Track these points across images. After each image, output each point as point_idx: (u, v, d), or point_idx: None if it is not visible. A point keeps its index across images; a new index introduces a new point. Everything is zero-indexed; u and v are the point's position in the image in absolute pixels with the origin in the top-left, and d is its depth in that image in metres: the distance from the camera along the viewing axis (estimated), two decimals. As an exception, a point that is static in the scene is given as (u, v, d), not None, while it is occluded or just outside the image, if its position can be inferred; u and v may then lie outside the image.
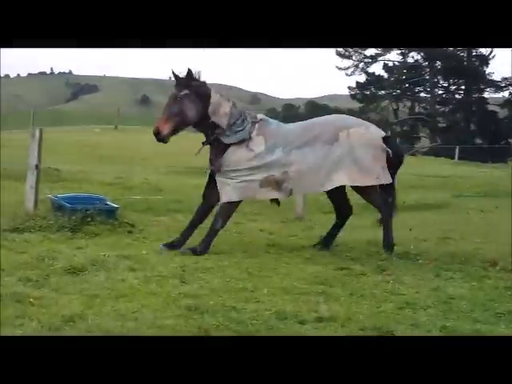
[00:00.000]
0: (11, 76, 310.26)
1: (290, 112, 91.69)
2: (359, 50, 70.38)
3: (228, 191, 8.45)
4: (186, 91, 8.34)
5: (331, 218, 9.60)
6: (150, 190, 15.39)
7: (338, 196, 9.14)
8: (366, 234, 10.00)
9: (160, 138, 8.23)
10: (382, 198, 8.86)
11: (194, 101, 8.37)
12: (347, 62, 72.55)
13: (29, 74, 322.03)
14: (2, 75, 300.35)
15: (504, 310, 6.02)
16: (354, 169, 8.52)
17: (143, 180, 17.40)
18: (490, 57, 68.69)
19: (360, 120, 9.66)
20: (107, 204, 10.40)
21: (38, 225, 9.30)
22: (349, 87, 74.31)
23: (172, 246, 8.46)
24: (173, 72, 8.54)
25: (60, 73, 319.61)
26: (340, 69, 73.54)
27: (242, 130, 8.54)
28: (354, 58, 72.17)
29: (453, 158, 43.97)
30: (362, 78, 73.31)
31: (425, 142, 71.69)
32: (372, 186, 8.72)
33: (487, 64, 69.05)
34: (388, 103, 72.56)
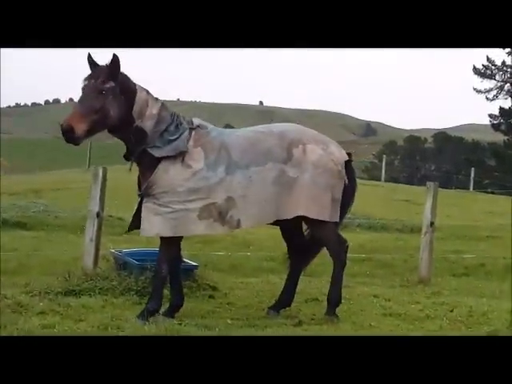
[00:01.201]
0: (62, 101, 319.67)
1: (415, 146, 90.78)
2: (505, 68, 68.78)
3: (157, 222, 8.15)
4: (111, 83, 7.91)
5: (465, 282, 9.56)
6: (236, 245, 15.36)
7: (292, 231, 9.12)
8: (507, 302, 9.88)
9: (72, 137, 7.69)
10: (338, 238, 8.99)
11: (119, 97, 7.97)
12: (489, 83, 70.84)
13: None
14: (51, 100, 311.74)
15: None
16: (308, 196, 8.46)
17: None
18: None
19: (318, 134, 9.26)
20: (183, 261, 10.04)
21: (98, 286, 9.38)
22: (490, 115, 72.53)
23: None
24: (90, 57, 7.99)
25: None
26: (479, 92, 71.96)
27: (176, 139, 8.16)
28: (497, 77, 70.47)
29: None
30: (508, 104, 71.33)
31: None
32: (323, 221, 8.66)
33: None
34: (542, 136, 70.33)
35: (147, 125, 8.06)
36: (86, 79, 7.97)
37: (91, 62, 7.96)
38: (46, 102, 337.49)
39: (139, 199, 8.33)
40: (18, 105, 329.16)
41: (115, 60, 7.85)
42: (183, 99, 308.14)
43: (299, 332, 7.41)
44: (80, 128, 7.62)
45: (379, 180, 46.71)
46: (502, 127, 70.85)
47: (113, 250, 10.82)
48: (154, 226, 8.14)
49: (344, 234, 9.54)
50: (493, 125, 71.78)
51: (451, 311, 9.40)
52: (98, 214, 10.38)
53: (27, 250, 12.60)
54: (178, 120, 8.32)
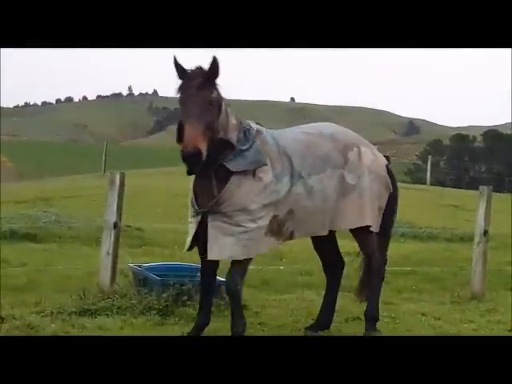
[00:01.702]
0: (75, 99, 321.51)
1: (463, 145, 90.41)
2: None
3: (228, 244, 7.76)
4: (216, 92, 7.49)
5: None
6: (267, 257, 14.65)
7: (326, 243, 9.04)
8: None
9: (200, 161, 7.19)
10: (380, 250, 8.95)
11: (220, 109, 7.55)
12: None
13: (98, 96, 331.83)
14: (63, 99, 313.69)
15: None
16: (368, 205, 8.48)
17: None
18: None
19: (358, 136, 9.27)
20: None
21: (116, 305, 9.28)
22: None
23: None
24: (177, 62, 7.47)
25: (141, 94, 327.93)
26: None
27: (247, 150, 7.76)
28: None
29: None
30: None
31: None
32: (371, 232, 8.69)
33: None
34: None
35: (232, 137, 7.70)
36: (185, 86, 7.44)
37: (179, 66, 7.48)
38: (58, 100, 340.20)
39: (197, 217, 7.94)
40: (27, 104, 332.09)
41: (216, 64, 7.38)
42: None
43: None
44: (204, 149, 7.15)
45: (424, 183, 46.50)
46: None
47: (132, 265, 10.69)
48: (226, 248, 7.75)
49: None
50: None
51: (510, 330, 9.25)
52: (115, 225, 10.29)
53: (37, 265, 12.38)
54: (245, 126, 7.98)
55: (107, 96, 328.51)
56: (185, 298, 9.48)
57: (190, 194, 8.01)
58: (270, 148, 7.98)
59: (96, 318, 8.92)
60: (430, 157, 56.03)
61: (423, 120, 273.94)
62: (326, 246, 8.96)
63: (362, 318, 9.27)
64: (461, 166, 79.91)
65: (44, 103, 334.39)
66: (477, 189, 12.86)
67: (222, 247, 7.71)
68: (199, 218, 7.83)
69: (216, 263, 8.22)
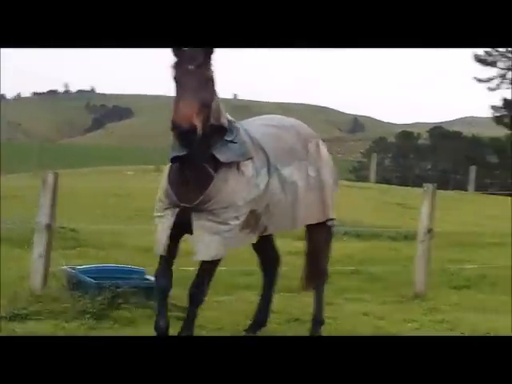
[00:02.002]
0: (7, 97, 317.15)
1: (408, 142, 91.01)
2: (509, 54, 69.28)
3: (214, 243, 7.55)
4: (212, 72, 7.30)
5: (466, 295, 9.52)
6: None
7: (266, 240, 9.00)
8: None
9: (195, 139, 6.84)
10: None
11: (215, 90, 7.36)
12: (490, 71, 71.45)
13: (34, 93, 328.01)
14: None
15: None
16: (330, 197, 8.71)
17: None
18: None
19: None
20: (146, 279, 10.20)
21: (47, 309, 9.12)
22: (492, 107, 73.23)
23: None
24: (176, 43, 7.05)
25: (79, 91, 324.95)
26: (480, 81, 72.61)
27: (233, 141, 7.58)
28: (499, 64, 71.07)
29: None
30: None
31: None
32: (328, 227, 8.93)
33: None
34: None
35: (225, 122, 7.56)
36: (182, 63, 7.14)
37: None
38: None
39: (174, 210, 7.56)
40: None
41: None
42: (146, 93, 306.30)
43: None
44: (200, 126, 6.83)
45: (368, 181, 46.66)
46: (505, 120, 71.08)
47: (65, 267, 10.54)
48: (211, 248, 7.52)
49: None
50: (495, 118, 72.22)
51: (451, 330, 9.34)
52: (47, 226, 10.16)
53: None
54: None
55: (43, 93, 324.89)
56: (120, 300, 9.34)
57: (164, 185, 7.64)
58: (246, 139, 7.80)
59: (26, 323, 8.72)
60: (374, 154, 56.46)
61: (368, 117, 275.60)
62: (262, 241, 8.72)
63: (303, 319, 9.30)
64: (406, 164, 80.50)
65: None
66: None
67: (209, 247, 7.50)
68: (176, 211, 7.48)
69: (172, 263, 7.94)
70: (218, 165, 7.39)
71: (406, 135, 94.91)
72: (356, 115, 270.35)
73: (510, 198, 35.14)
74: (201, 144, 7.05)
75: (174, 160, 7.47)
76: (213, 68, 7.27)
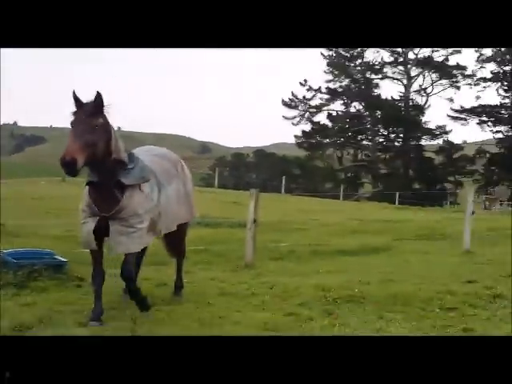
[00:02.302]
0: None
1: (240, 160, 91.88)
2: (305, 100, 71.68)
3: (124, 241, 7.47)
4: (101, 120, 7.08)
5: (281, 265, 9.61)
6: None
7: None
8: (313, 279, 10.17)
9: (74, 170, 6.68)
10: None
11: (106, 133, 7.14)
12: (293, 112, 73.98)
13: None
14: None
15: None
16: (192, 202, 8.95)
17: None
18: (426, 106, 70.82)
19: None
20: (55, 258, 9.94)
21: None
22: (295, 136, 75.40)
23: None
24: (75, 94, 7.05)
25: (4, 124, 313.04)
26: (287, 118, 74.69)
27: (134, 168, 7.51)
28: (300, 108, 73.57)
29: (394, 202, 45.54)
30: (308, 127, 74.56)
31: (368, 188, 73.52)
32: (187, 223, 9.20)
33: (423, 113, 71.11)
34: (332, 151, 74.66)
35: (124, 157, 7.45)
36: (76, 113, 7.04)
37: (76, 98, 7.05)
38: None
39: (94, 218, 7.44)
40: None
41: (100, 97, 7.04)
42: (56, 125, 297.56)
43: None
44: (81, 160, 6.66)
45: (213, 187, 47.14)
46: (305, 145, 73.85)
47: (-5, 251, 9.91)
48: (122, 244, 7.45)
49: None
50: (297, 143, 74.67)
51: (271, 288, 9.40)
52: None
53: None
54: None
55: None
56: (36, 274, 9.02)
57: (86, 200, 7.51)
58: (143, 166, 7.74)
59: None
60: (217, 168, 57.01)
61: (213, 142, 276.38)
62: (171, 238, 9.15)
63: (169, 284, 9.21)
64: (239, 175, 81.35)
65: None
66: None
67: (120, 244, 7.45)
68: (96, 219, 7.41)
69: (102, 256, 7.79)
70: (124, 186, 7.34)
71: (239, 155, 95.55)
72: (204, 141, 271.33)
73: (309, 197, 36.53)
74: (106, 173, 7.22)
75: (88, 183, 7.45)
76: (104, 116, 7.13)
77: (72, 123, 7.00)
